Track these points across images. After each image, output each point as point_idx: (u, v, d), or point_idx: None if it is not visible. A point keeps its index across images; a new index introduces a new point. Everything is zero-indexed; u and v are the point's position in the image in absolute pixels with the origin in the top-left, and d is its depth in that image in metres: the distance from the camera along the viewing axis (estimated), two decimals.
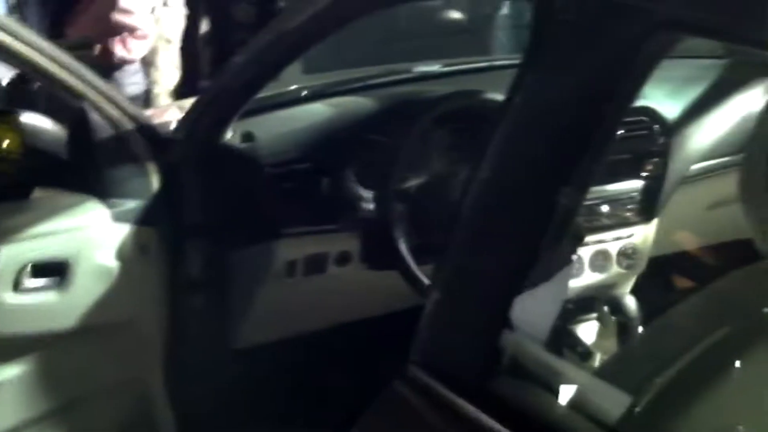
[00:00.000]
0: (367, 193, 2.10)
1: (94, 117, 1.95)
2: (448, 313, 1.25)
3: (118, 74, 4.06)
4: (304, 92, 2.35)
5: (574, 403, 1.16)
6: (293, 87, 2.37)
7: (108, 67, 3.94)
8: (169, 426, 2.19)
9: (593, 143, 1.16)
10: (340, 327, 2.37)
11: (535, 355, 1.26)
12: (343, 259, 2.16)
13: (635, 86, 1.18)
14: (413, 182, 2.04)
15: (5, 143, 1.90)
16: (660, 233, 2.27)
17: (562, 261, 1.27)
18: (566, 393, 1.17)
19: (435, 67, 2.58)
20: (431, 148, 2.14)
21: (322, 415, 2.34)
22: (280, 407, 2.30)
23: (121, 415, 2.13)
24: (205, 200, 2.08)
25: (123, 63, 4.05)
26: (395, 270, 2.13)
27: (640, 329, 2.05)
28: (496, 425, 1.13)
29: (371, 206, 2.07)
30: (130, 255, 1.99)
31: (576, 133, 1.16)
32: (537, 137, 1.20)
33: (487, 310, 1.22)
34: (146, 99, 4.35)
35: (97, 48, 3.87)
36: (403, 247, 1.92)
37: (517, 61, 2.48)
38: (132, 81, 4.13)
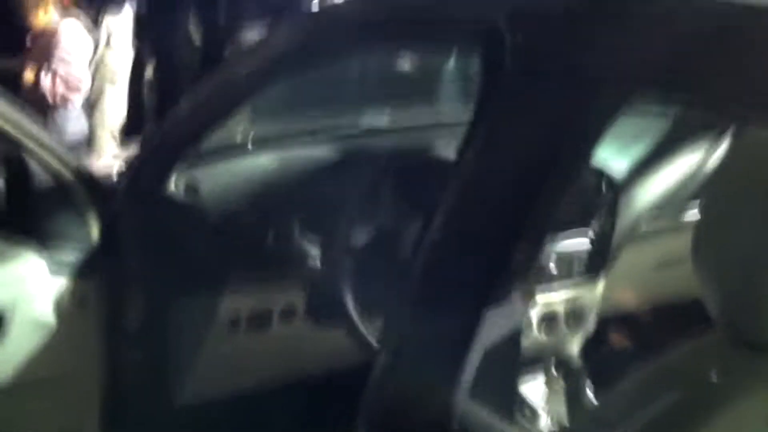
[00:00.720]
0: (313, 248, 2.06)
1: (32, 166, 1.90)
2: (397, 377, 1.21)
3: (59, 117, 4.02)
4: (250, 145, 2.30)
5: None
6: (238, 137, 2.33)
7: (48, 109, 3.91)
8: None
9: (544, 199, 1.14)
10: (287, 384, 2.32)
11: (484, 420, 1.23)
12: (288, 313, 2.11)
13: (586, 144, 1.16)
14: (360, 237, 2.00)
15: None
16: (607, 292, 2.25)
17: (513, 321, 1.25)
18: None
19: (382, 122, 2.56)
20: (379, 204, 2.11)
21: None
22: None
23: None
24: (146, 251, 2.03)
25: (62, 106, 4.02)
26: (341, 326, 2.09)
27: (588, 390, 2.03)
28: None
29: (317, 260, 2.03)
30: (68, 308, 1.94)
31: (526, 189, 1.14)
32: (488, 194, 1.19)
33: (437, 372, 1.18)
34: (89, 141, 4.31)
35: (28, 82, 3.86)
36: (349, 304, 1.88)
37: (460, 119, 2.51)
38: (73, 124, 4.09)
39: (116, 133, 4.52)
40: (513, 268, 1.17)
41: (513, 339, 1.28)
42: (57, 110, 4.03)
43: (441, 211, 1.20)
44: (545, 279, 2.05)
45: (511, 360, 1.35)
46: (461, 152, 1.23)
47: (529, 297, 1.79)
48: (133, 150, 2.26)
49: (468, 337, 1.15)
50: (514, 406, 1.95)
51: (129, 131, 4.54)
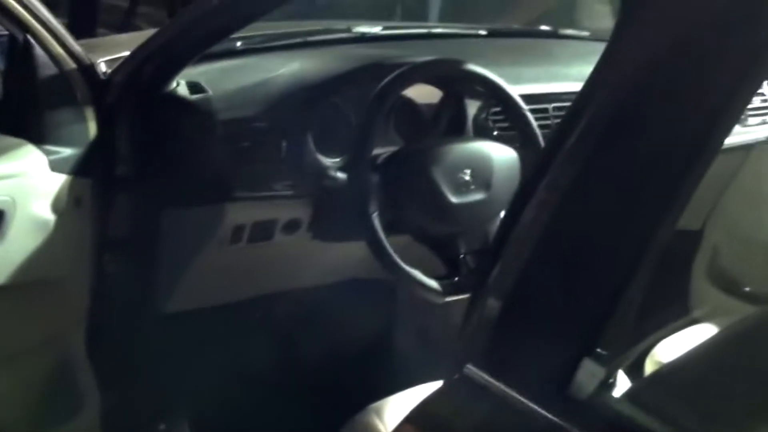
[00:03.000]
0: (325, 160, 1.96)
1: (39, 53, 1.74)
2: (522, 322, 1.14)
3: None
4: (239, 43, 2.17)
5: None
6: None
7: None
8: (90, 391, 2.02)
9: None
10: (271, 296, 2.24)
11: None
12: (292, 226, 2.02)
13: None
14: (382, 153, 1.92)
15: None
16: None
17: None
18: None
19: (376, 29, 2.44)
20: (405, 117, 2.03)
21: (249, 384, 2.21)
22: (205, 375, 2.15)
23: (42, 377, 1.95)
24: (141, 152, 1.90)
25: None
26: (344, 242, 2.03)
27: None
28: None
29: (331, 173, 1.93)
30: (65, 207, 1.80)
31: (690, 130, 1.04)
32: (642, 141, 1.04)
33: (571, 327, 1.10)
34: None
35: None
36: (376, 221, 1.80)
37: (458, 30, 2.40)
38: None
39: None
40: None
41: None
42: None
43: (571, 155, 1.09)
44: None
45: None
46: (593, 87, 1.10)
47: None
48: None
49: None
50: None
51: None
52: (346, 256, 2.14)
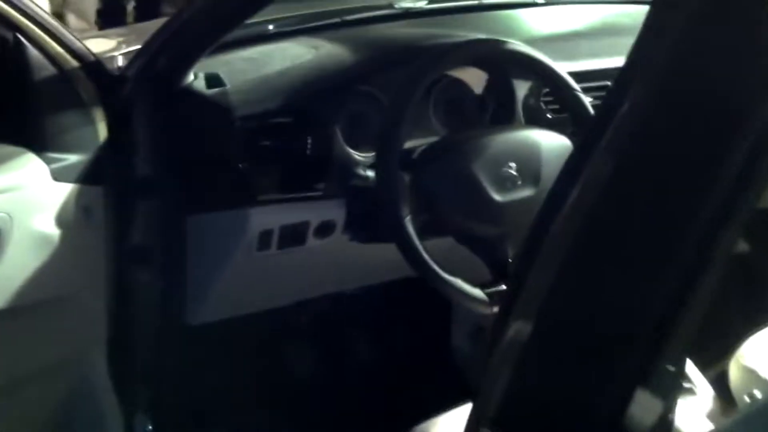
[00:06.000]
0: (357, 155, 1.78)
1: (33, 53, 1.59)
2: (554, 355, 0.93)
3: None
4: (271, 26, 1.99)
5: None
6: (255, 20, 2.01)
7: None
8: (113, 409, 1.87)
9: None
10: (307, 302, 2.08)
11: None
12: (326, 229, 1.84)
13: None
14: (419, 146, 1.72)
15: None
16: None
17: None
18: None
19: (421, 3, 2.22)
20: (440, 105, 1.83)
21: (287, 396, 2.06)
22: (241, 389, 2.01)
23: (61, 399, 1.82)
24: (161, 154, 1.75)
25: None
26: (383, 243, 1.83)
27: None
28: None
29: (363, 170, 1.75)
30: (72, 219, 1.65)
31: None
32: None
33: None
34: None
35: None
36: (409, 226, 1.60)
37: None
38: None
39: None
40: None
41: None
42: None
43: (614, 135, 0.87)
44: None
45: None
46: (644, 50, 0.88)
47: None
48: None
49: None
50: None
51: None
52: (395, 254, 1.95)
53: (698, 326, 0.89)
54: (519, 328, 0.93)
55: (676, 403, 0.94)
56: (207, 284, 1.86)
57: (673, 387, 0.94)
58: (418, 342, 2.32)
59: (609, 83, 1.94)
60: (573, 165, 0.92)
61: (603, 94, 1.92)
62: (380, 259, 1.90)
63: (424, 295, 1.96)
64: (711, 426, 1.57)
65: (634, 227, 0.87)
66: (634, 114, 0.85)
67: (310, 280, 1.99)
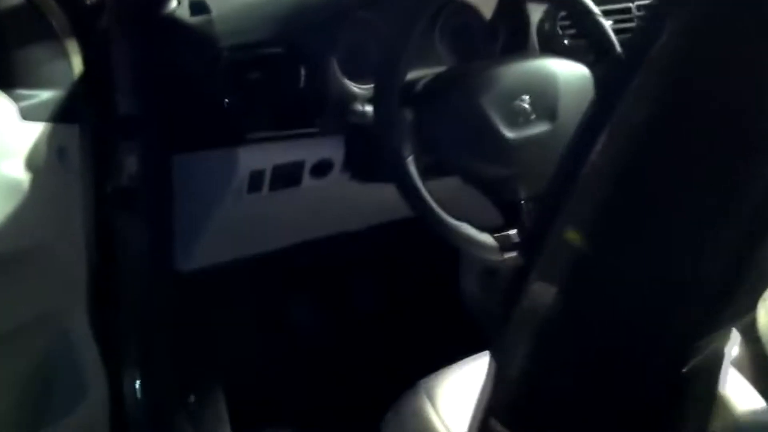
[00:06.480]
0: (356, 88, 1.63)
1: None
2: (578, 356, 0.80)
3: None
4: None
5: None
6: None
7: None
8: (96, 365, 1.76)
9: None
10: (306, 245, 1.95)
11: None
12: (323, 168, 1.70)
13: None
14: (423, 77, 1.58)
15: None
16: None
17: None
18: None
19: None
20: (447, 33, 1.68)
21: (286, 345, 1.95)
22: (236, 339, 1.90)
23: (39, 357, 1.70)
24: (142, 88, 1.61)
25: None
26: (384, 182, 1.70)
27: None
28: None
29: (362, 105, 1.60)
30: (44, 162, 1.52)
31: None
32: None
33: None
34: None
35: None
36: (411, 168, 1.46)
37: None
38: None
39: None
40: None
41: None
42: None
43: (649, 81, 0.73)
44: None
45: None
46: None
47: None
48: None
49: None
50: None
51: None
52: None
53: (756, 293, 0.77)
54: (540, 291, 0.81)
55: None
56: (195, 229, 1.74)
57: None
58: (425, 285, 2.20)
59: (632, 5, 1.80)
60: (604, 105, 0.78)
61: (625, 17, 1.78)
62: (383, 198, 1.76)
63: (431, 234, 1.85)
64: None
65: (686, 180, 0.73)
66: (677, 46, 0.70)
67: (308, 222, 1.87)
